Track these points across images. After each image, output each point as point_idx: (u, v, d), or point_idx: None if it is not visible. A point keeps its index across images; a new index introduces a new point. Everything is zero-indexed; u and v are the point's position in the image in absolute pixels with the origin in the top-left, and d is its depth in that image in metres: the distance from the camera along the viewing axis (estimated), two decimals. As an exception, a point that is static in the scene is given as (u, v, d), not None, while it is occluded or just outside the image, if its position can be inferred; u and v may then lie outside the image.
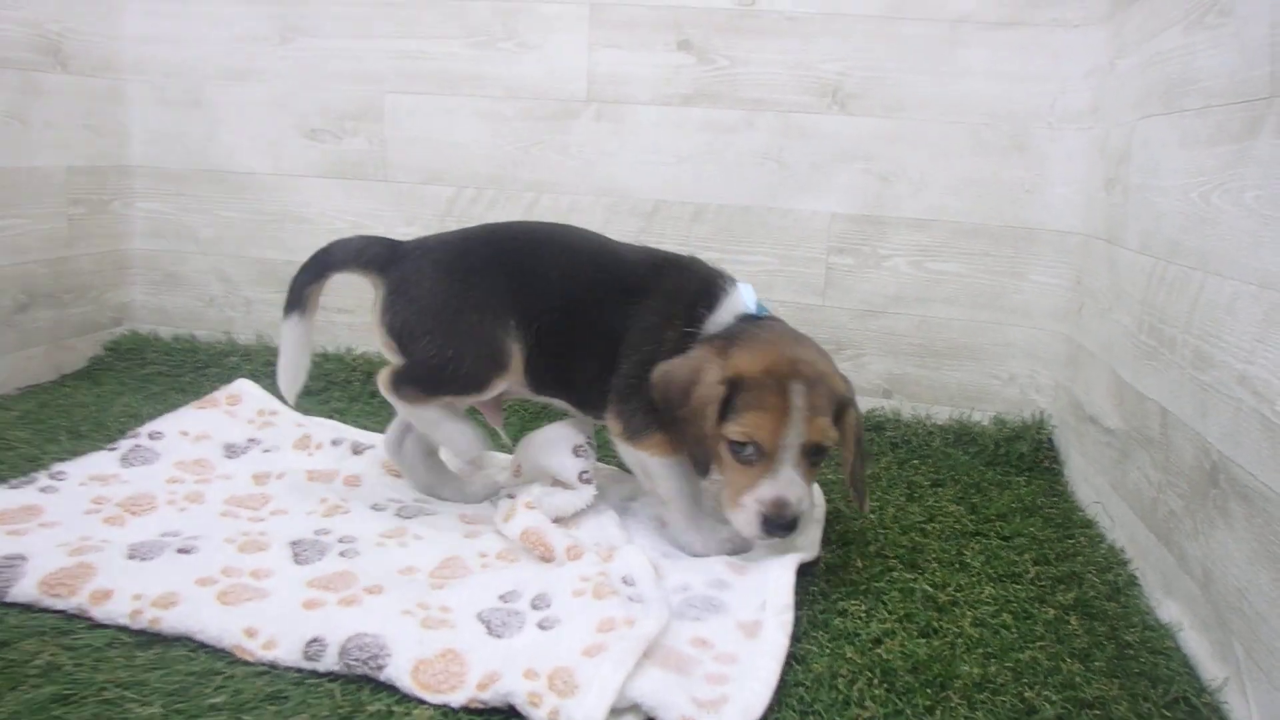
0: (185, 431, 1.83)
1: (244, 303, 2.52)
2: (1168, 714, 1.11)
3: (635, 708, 1.05)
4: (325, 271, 1.61)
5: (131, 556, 1.34)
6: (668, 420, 1.41)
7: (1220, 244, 1.23)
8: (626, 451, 1.51)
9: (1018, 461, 2.01)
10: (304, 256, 2.35)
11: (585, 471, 1.54)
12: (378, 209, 2.40)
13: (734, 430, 1.34)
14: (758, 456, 1.35)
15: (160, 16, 2.40)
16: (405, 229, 2.38)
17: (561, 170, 2.23)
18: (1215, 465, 1.20)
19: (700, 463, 1.40)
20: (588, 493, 1.54)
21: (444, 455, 1.74)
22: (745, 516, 1.36)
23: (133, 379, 2.32)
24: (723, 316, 1.47)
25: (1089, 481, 1.77)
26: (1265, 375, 1.07)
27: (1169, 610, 1.33)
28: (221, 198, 2.48)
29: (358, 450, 1.83)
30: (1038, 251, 2.06)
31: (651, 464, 1.48)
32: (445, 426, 1.55)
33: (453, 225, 2.32)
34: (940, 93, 2.04)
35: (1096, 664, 1.21)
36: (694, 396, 1.36)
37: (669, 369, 1.41)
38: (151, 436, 1.79)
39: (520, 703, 1.05)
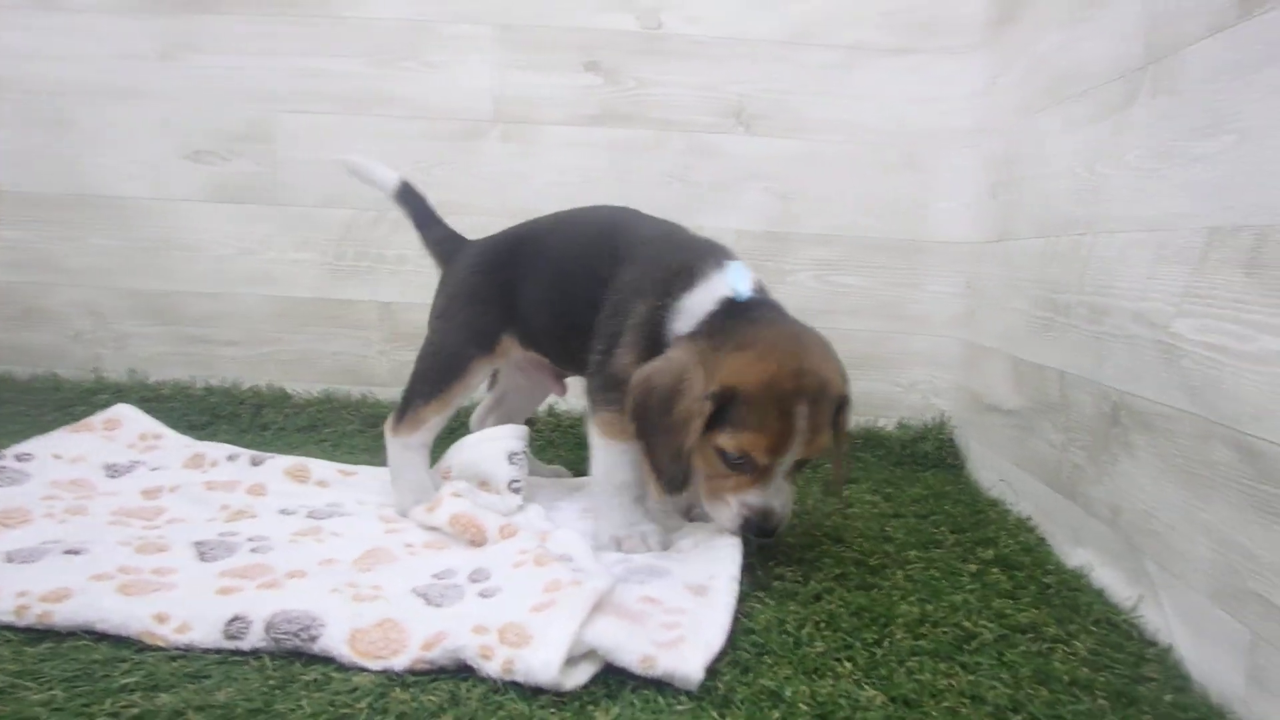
0: (58, 455, 1.74)
1: (116, 338, 2.44)
2: (1094, 629, 1.24)
3: (592, 653, 1.07)
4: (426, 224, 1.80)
5: (10, 560, 1.27)
6: (643, 431, 1.34)
7: (1107, 205, 1.42)
8: (588, 427, 1.50)
9: (922, 460, 2.18)
10: (186, 286, 2.41)
11: (516, 480, 1.57)
12: (268, 234, 2.38)
13: (728, 443, 1.30)
14: (749, 468, 1.33)
15: (25, 30, 2.34)
16: (298, 254, 2.38)
17: (467, 191, 2.30)
18: (1116, 405, 1.36)
19: (674, 481, 1.32)
20: (513, 501, 1.56)
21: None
22: (728, 513, 1.36)
23: (-14, 418, 2.19)
24: (701, 299, 1.38)
25: (991, 467, 1.94)
26: (1159, 305, 1.25)
27: (1079, 556, 1.47)
28: (92, 225, 2.40)
29: (257, 462, 1.79)
30: (932, 263, 2.26)
31: (594, 442, 1.47)
32: (406, 474, 1.63)
33: (351, 250, 2.36)
34: (838, 115, 2.25)
35: (1024, 600, 1.33)
36: (676, 410, 1.29)
37: (650, 375, 1.33)
38: (19, 459, 1.69)
39: (471, 656, 1.04)
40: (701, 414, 1.28)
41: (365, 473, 1.81)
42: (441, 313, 1.66)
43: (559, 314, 1.57)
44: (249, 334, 2.43)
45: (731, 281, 1.39)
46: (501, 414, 1.85)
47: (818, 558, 1.48)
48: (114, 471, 1.74)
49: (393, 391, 2.02)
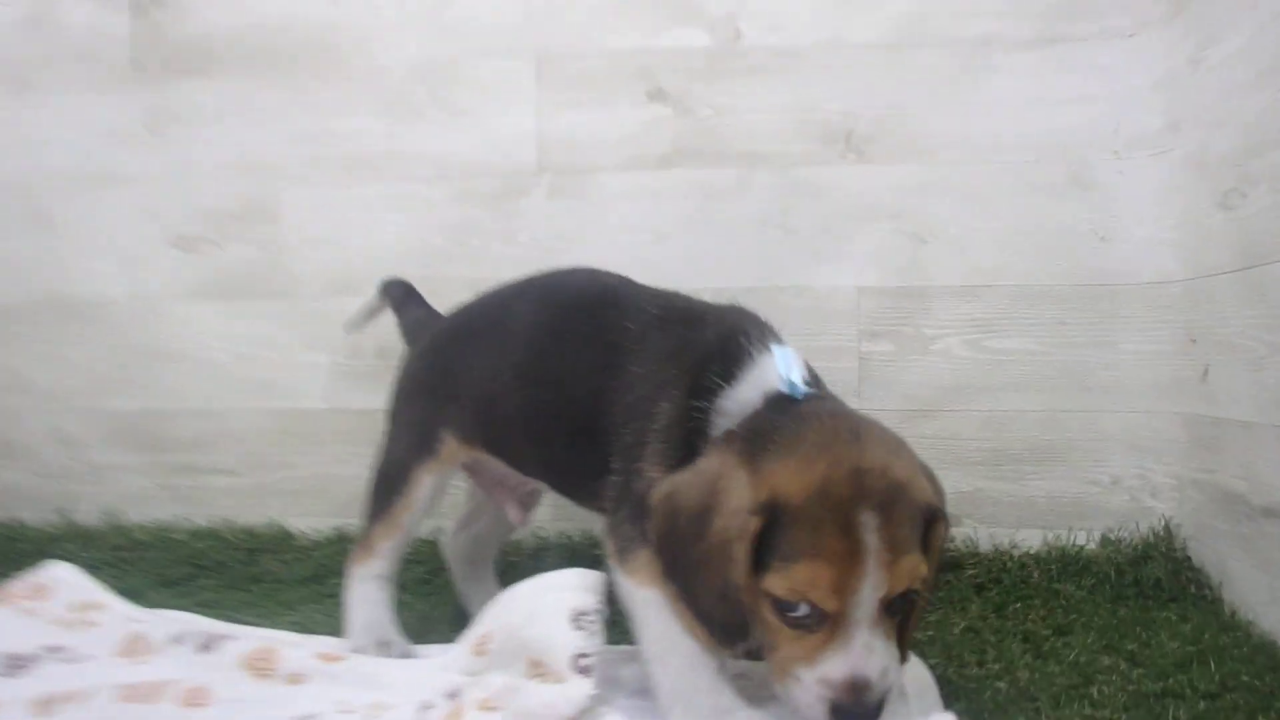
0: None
1: (90, 470, 1.89)
2: None
3: None
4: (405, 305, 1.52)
5: None
6: (673, 566, 0.96)
7: None
8: (617, 580, 1.04)
9: (1153, 591, 1.41)
10: (172, 404, 2.05)
11: (585, 655, 0.96)
12: (272, 333, 1.83)
13: (779, 585, 0.89)
14: (818, 620, 0.89)
15: (-7, 116, 1.92)
16: (308, 355, 1.82)
17: (508, 262, 1.69)
18: None
19: (725, 630, 0.94)
20: (583, 689, 0.94)
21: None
22: (806, 699, 0.89)
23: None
24: (747, 393, 1.00)
25: (1270, 595, 1.20)
26: None
27: None
28: (63, 335, 1.89)
29: (208, 646, 1.14)
30: (1127, 312, 1.56)
31: (635, 598, 1.01)
32: (358, 612, 1.26)
33: (370, 347, 1.78)
34: (972, 129, 1.61)
35: None
36: (712, 532, 0.92)
37: (676, 488, 0.96)
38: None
39: None
40: (746, 534, 0.89)
41: (360, 657, 1.14)
42: (390, 413, 1.36)
43: (533, 408, 1.20)
44: (247, 459, 1.85)
45: (783, 370, 1.01)
46: (472, 532, 1.46)
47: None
48: (15, 665, 1.14)
49: (425, 526, 1.44)
